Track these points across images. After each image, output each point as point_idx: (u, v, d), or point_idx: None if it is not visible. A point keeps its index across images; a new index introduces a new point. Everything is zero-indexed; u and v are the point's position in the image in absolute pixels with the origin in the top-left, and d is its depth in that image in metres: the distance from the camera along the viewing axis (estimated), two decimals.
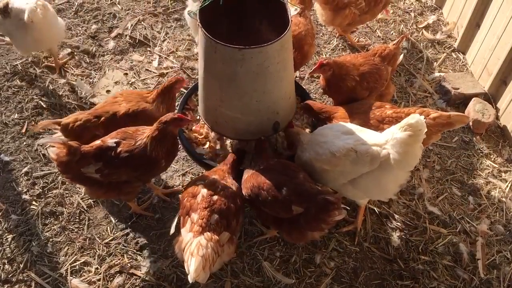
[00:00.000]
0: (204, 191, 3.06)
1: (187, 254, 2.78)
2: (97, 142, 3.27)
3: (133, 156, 3.20)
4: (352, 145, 3.19)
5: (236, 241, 3.13)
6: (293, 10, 4.42)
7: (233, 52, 3.08)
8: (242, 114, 3.41)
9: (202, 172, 3.86)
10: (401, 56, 4.11)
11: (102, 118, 3.52)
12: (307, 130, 3.94)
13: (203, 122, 3.79)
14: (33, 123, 4.32)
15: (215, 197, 3.03)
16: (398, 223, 3.85)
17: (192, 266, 2.69)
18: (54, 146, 3.14)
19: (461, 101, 4.76)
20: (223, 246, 2.95)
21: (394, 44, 4.02)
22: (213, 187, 3.10)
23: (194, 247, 2.78)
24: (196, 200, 3.04)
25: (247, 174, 3.32)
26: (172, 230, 3.22)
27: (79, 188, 3.91)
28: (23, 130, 4.27)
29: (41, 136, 4.19)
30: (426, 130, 2.99)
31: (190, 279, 2.70)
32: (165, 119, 3.20)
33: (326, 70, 3.79)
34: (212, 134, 3.85)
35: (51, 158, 3.21)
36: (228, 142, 3.86)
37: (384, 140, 3.12)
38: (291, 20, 3.22)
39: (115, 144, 3.21)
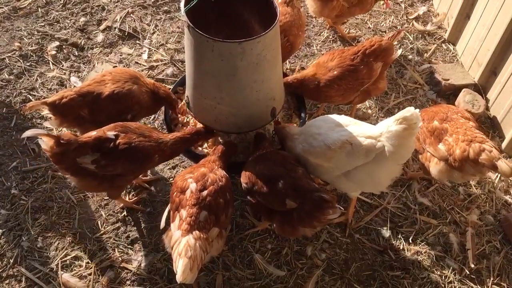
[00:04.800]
0: (193, 186, 3.03)
1: (175, 254, 2.77)
2: (94, 132, 3.26)
3: (132, 148, 3.21)
4: (347, 137, 3.18)
5: (225, 235, 3.13)
6: None
7: (232, 47, 3.02)
8: (244, 107, 3.38)
9: (191, 165, 3.84)
10: (400, 51, 4.06)
11: (86, 98, 3.48)
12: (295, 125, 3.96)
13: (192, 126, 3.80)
14: (22, 117, 4.29)
15: (204, 193, 3.00)
16: (389, 214, 3.87)
17: (179, 268, 2.68)
18: (43, 138, 3.11)
19: (451, 92, 4.77)
20: (212, 241, 2.94)
21: (388, 38, 3.99)
22: (202, 181, 3.07)
23: (182, 247, 2.75)
24: (185, 196, 3.01)
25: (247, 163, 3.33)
26: (162, 224, 3.22)
27: (69, 183, 3.88)
28: (12, 124, 4.23)
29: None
30: (421, 123, 3.00)
31: (178, 280, 2.69)
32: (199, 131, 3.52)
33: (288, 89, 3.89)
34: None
35: (43, 150, 3.17)
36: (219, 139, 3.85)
37: (379, 133, 3.12)
38: (276, 6, 3.20)
39: (114, 137, 3.22)
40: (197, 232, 2.85)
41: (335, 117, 3.41)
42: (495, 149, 3.43)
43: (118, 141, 3.20)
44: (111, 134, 3.22)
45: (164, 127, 4.01)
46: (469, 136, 3.50)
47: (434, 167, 3.64)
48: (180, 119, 3.94)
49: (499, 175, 4.18)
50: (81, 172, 3.24)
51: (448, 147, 3.54)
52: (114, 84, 3.55)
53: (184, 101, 3.78)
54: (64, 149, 3.12)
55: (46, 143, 3.11)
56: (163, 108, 3.96)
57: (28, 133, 3.14)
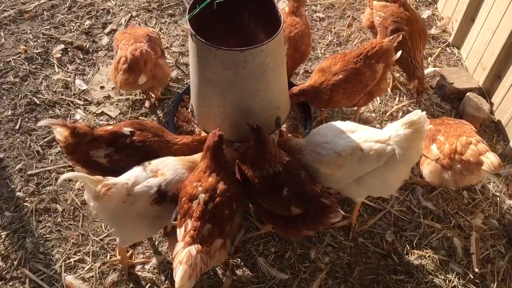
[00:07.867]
0: (201, 197, 2.94)
1: (176, 262, 2.76)
2: (110, 127, 3.31)
3: (145, 147, 3.24)
4: (356, 143, 3.17)
5: (229, 245, 3.10)
6: (281, 2, 4.39)
7: (235, 55, 3.01)
8: (247, 115, 3.36)
9: None
10: (399, 52, 4.08)
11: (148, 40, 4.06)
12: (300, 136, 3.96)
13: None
14: (27, 120, 4.31)
15: (210, 205, 2.93)
16: (392, 218, 3.86)
17: (178, 275, 2.67)
18: (58, 128, 3.14)
19: (456, 96, 4.75)
20: (215, 253, 2.91)
21: (388, 40, 3.99)
22: (210, 192, 2.96)
23: (183, 256, 2.74)
24: (192, 205, 2.95)
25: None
26: (169, 228, 3.21)
27: (73, 185, 3.90)
28: (17, 127, 4.25)
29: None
30: (429, 126, 3.01)
31: (176, 286, 2.69)
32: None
33: (297, 99, 3.90)
34: None
35: (57, 140, 3.22)
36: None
37: (387, 137, 3.11)
38: (281, 14, 3.20)
39: (129, 133, 3.26)
40: (198, 246, 2.83)
41: (339, 123, 3.39)
42: (482, 143, 3.45)
43: (133, 138, 3.24)
44: (127, 130, 3.27)
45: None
46: (458, 132, 3.57)
47: (426, 168, 3.67)
48: (184, 127, 3.96)
49: (504, 179, 4.17)
50: (91, 165, 3.27)
51: (439, 145, 3.57)
52: (143, 29, 4.26)
53: (189, 109, 3.80)
54: (78, 141, 3.16)
55: (60, 133, 3.15)
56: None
57: (43, 122, 3.23)
